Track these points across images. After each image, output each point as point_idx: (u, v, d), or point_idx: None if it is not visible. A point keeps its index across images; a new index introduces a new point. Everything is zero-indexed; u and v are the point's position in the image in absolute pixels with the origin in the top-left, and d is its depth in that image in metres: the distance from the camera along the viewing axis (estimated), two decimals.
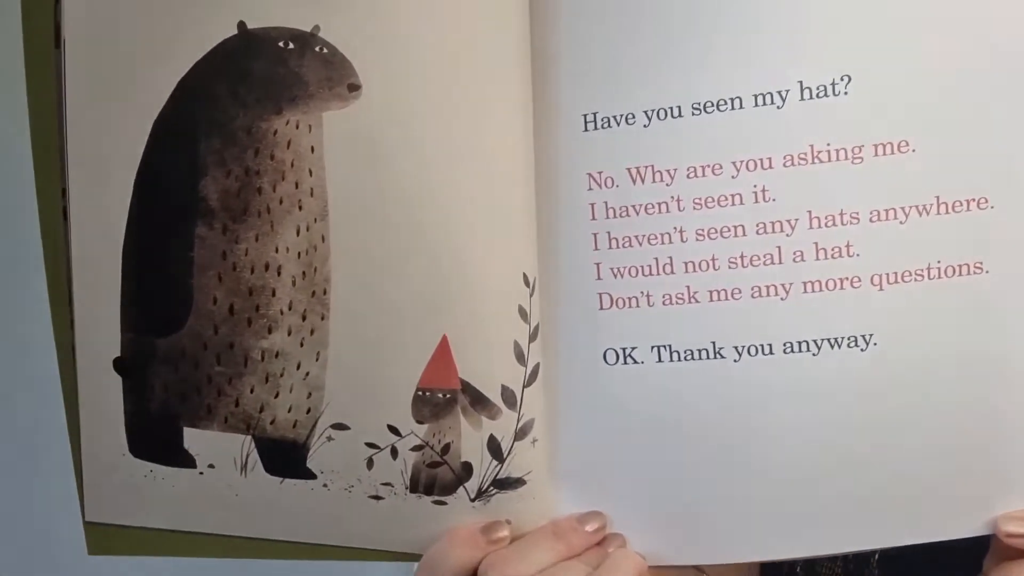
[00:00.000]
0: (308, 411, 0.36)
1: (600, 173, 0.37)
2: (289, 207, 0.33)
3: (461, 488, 0.37)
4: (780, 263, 0.35)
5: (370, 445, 0.36)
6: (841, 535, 0.37)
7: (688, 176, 0.36)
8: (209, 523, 0.38)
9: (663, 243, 0.37)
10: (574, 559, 0.37)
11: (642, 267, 0.37)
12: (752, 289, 0.36)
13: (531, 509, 0.38)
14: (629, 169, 0.37)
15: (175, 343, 0.35)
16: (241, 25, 0.32)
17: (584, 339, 0.38)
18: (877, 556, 0.48)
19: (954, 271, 0.34)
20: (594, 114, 0.37)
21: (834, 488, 0.36)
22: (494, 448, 0.37)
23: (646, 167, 0.37)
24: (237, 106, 0.32)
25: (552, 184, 0.37)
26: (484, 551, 0.37)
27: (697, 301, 0.36)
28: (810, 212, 0.35)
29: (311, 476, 0.37)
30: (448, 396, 0.36)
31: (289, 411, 0.36)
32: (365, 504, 0.37)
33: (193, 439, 0.36)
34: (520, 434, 0.37)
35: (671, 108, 0.36)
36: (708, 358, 0.36)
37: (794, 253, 0.35)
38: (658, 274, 0.37)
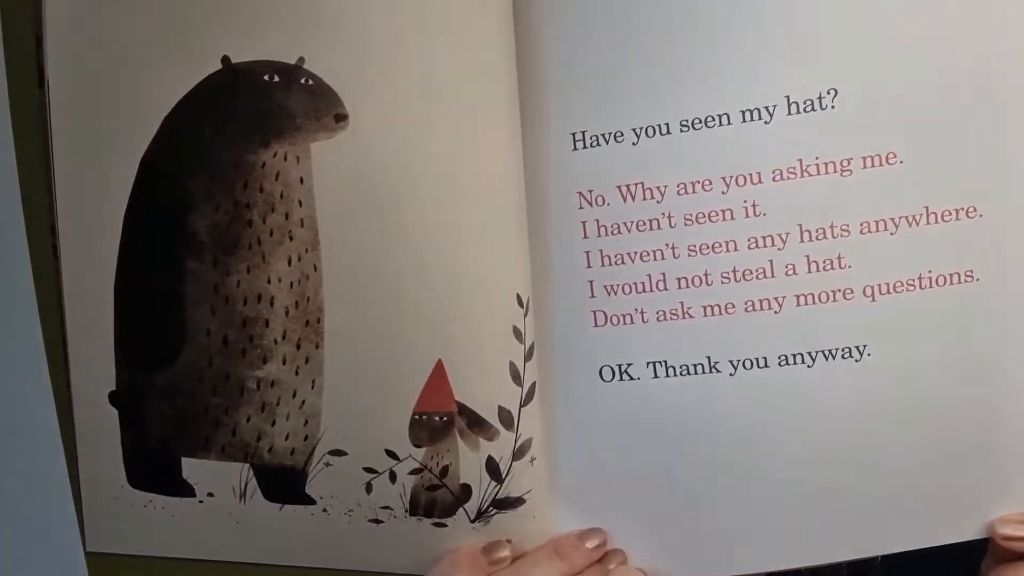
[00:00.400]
0: (305, 438, 0.36)
1: (591, 191, 0.37)
2: (280, 238, 0.33)
3: (461, 510, 0.37)
4: (772, 277, 0.35)
5: (368, 470, 0.36)
6: (840, 544, 0.37)
7: (678, 192, 0.36)
8: (211, 550, 0.38)
9: (655, 259, 0.37)
10: None
11: (635, 284, 0.37)
12: (745, 303, 0.36)
13: (531, 528, 0.38)
14: (619, 187, 0.37)
15: (170, 376, 0.35)
16: (225, 59, 0.32)
17: (580, 357, 0.38)
18: (880, 558, 0.48)
19: (945, 280, 0.34)
20: (583, 132, 0.37)
21: (832, 498, 0.37)
22: (492, 469, 0.37)
23: (636, 184, 0.37)
24: (223, 140, 0.32)
25: (543, 204, 0.37)
26: (486, 572, 0.37)
27: (691, 316, 0.37)
28: (800, 226, 0.35)
29: (310, 502, 0.37)
30: (445, 419, 0.36)
31: (286, 439, 0.36)
32: (365, 528, 0.37)
33: (191, 469, 0.36)
34: (518, 454, 0.37)
35: (660, 125, 0.36)
36: (703, 373, 0.37)
37: (786, 267, 0.35)
38: (651, 291, 0.37)
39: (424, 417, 0.36)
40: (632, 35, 0.36)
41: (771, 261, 0.35)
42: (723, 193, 0.36)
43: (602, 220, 0.37)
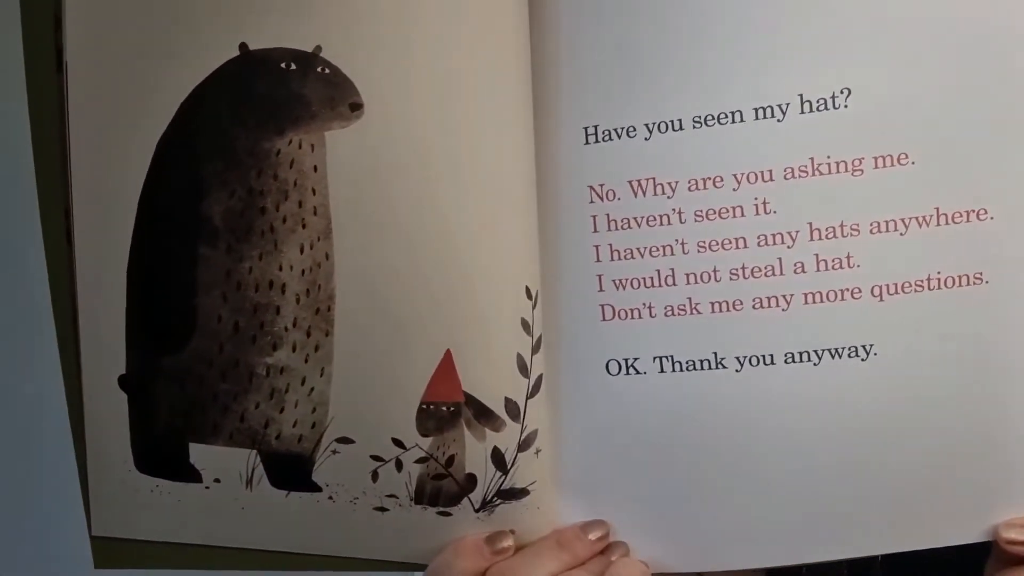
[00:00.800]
0: (313, 425, 0.36)
1: (601, 186, 0.37)
2: (293, 226, 0.33)
3: (465, 499, 0.37)
4: (781, 274, 0.36)
5: (375, 458, 0.37)
6: (842, 542, 0.37)
7: (689, 189, 0.36)
8: (216, 536, 0.38)
9: (665, 255, 0.37)
10: (579, 568, 0.37)
11: (644, 279, 0.37)
12: (753, 300, 0.36)
13: (535, 519, 0.38)
14: (630, 182, 0.37)
15: (180, 361, 0.35)
16: (243, 46, 0.32)
17: (587, 350, 0.38)
18: (881, 558, 0.49)
19: (954, 282, 0.35)
20: (595, 127, 0.37)
21: (835, 495, 0.37)
22: (498, 459, 0.37)
23: (647, 180, 0.37)
24: (239, 127, 0.32)
25: (553, 197, 0.37)
26: (489, 561, 0.37)
27: (699, 312, 0.37)
28: (810, 224, 0.35)
29: (316, 489, 0.37)
30: (452, 409, 0.36)
31: (294, 426, 0.36)
32: (370, 516, 0.37)
33: (199, 454, 0.37)
34: (524, 445, 0.37)
35: (672, 121, 0.36)
36: (710, 368, 0.37)
37: (795, 264, 0.36)
38: (660, 286, 0.37)
39: (431, 407, 0.36)
40: (646, 31, 0.36)
41: (780, 259, 0.36)
42: (734, 190, 0.36)
43: (612, 215, 0.37)
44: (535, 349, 0.37)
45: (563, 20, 0.36)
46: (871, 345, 0.35)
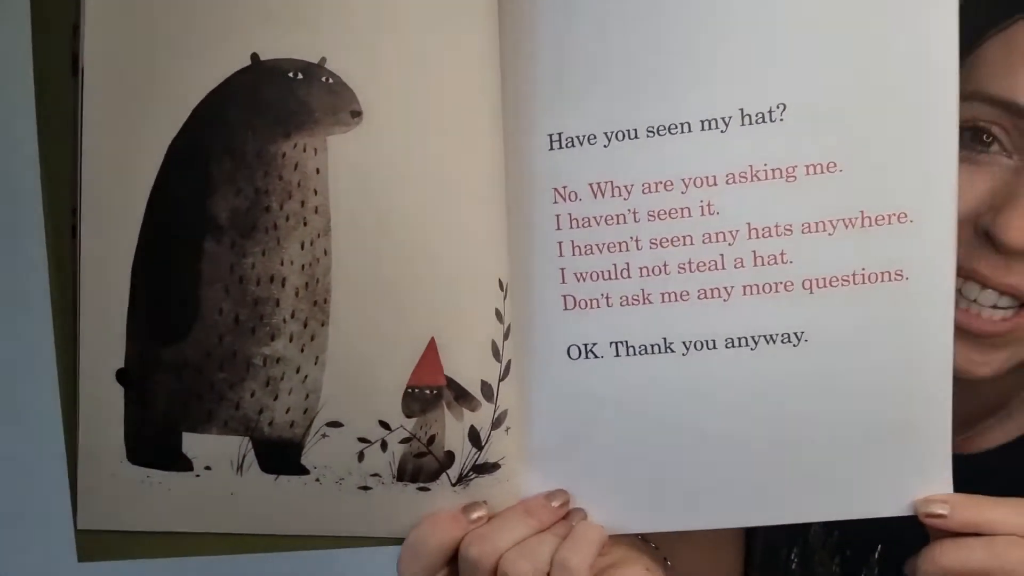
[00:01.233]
0: (305, 411, 0.38)
1: (564, 188, 0.41)
2: (295, 224, 0.36)
3: (443, 475, 0.41)
4: (723, 269, 0.41)
5: (362, 440, 0.39)
6: (777, 508, 0.42)
7: (643, 191, 0.41)
8: (205, 523, 0.39)
9: (620, 251, 0.41)
10: (544, 532, 0.41)
11: (602, 272, 0.42)
12: (698, 291, 0.41)
13: (505, 490, 0.42)
14: (591, 184, 0.41)
15: (179, 352, 0.36)
16: (254, 57, 0.34)
17: (551, 336, 0.42)
18: (877, 554, 0.55)
19: (877, 278, 0.39)
20: (559, 134, 0.41)
21: (771, 467, 0.41)
22: (474, 437, 0.41)
23: (606, 183, 0.41)
24: (248, 131, 0.34)
25: (522, 198, 0.41)
26: (465, 529, 0.41)
27: (650, 302, 0.41)
28: (749, 224, 0.40)
29: (304, 472, 0.39)
30: (435, 392, 0.39)
31: (287, 412, 0.38)
32: (354, 495, 0.40)
33: (191, 443, 0.38)
34: (496, 423, 0.41)
35: (628, 130, 0.41)
36: (660, 352, 0.41)
37: (735, 260, 0.40)
38: (616, 278, 0.41)
39: (416, 390, 0.39)
40: (607, 50, 0.40)
41: (722, 255, 0.41)
42: (682, 193, 0.41)
43: (574, 214, 0.41)
44: (506, 336, 0.41)
45: (530, 40, 0.40)
46: (802, 332, 0.40)
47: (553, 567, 0.40)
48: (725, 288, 0.40)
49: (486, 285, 0.40)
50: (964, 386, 0.44)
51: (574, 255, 0.41)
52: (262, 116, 0.34)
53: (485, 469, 0.41)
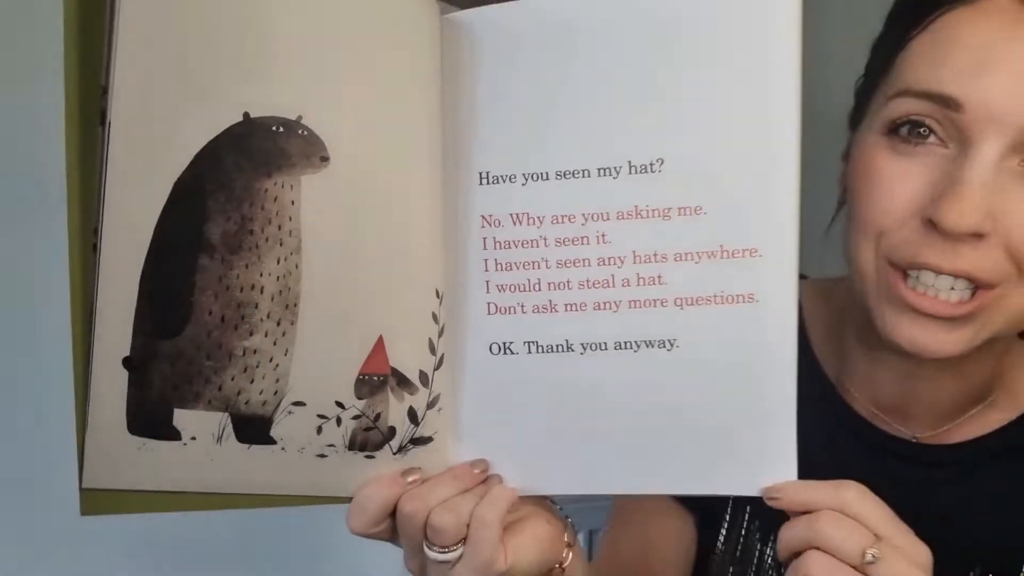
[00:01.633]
0: (275, 393, 0.48)
1: (490, 216, 0.51)
2: (272, 244, 0.45)
3: (386, 445, 0.50)
4: (613, 287, 0.50)
5: (320, 416, 0.49)
6: (655, 480, 0.51)
7: (552, 222, 0.51)
8: (188, 483, 0.48)
9: (534, 269, 0.51)
10: (467, 492, 0.50)
11: (519, 285, 0.51)
12: (594, 304, 0.50)
13: (436, 459, 0.51)
14: (511, 214, 0.51)
15: (174, 345, 0.45)
16: (246, 114, 0.43)
17: (476, 336, 0.51)
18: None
19: (733, 299, 0.47)
20: (487, 173, 0.51)
21: (650, 447, 0.50)
22: (412, 415, 0.50)
23: (523, 214, 0.51)
24: (238, 171, 0.43)
25: (456, 223, 0.51)
26: (403, 489, 0.50)
27: (556, 311, 0.51)
28: (634, 252, 0.49)
29: (273, 442, 0.48)
30: (381, 379, 0.49)
31: (260, 394, 0.47)
32: (313, 461, 0.49)
33: (180, 417, 0.47)
34: (431, 405, 0.51)
35: (542, 173, 0.50)
36: (563, 351, 0.51)
37: (623, 280, 0.50)
38: (529, 291, 0.51)
39: (367, 377, 0.49)
40: (527, 110, 0.50)
41: (613, 275, 0.50)
42: (582, 225, 0.50)
43: (497, 238, 0.51)
44: (440, 334, 0.51)
45: (467, 101, 0.49)
46: (674, 340, 0.49)
47: (472, 519, 0.49)
48: (614, 302, 0.50)
49: (425, 293, 0.49)
50: (949, 377, 0.52)
51: (497, 271, 0.51)
52: (250, 160, 0.43)
53: (420, 441, 0.51)
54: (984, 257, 0.50)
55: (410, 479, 0.50)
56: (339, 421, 0.48)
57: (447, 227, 0.50)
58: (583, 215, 0.49)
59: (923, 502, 0.57)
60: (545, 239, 0.50)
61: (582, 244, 0.50)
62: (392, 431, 0.50)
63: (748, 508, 0.65)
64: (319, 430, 0.48)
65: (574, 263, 0.50)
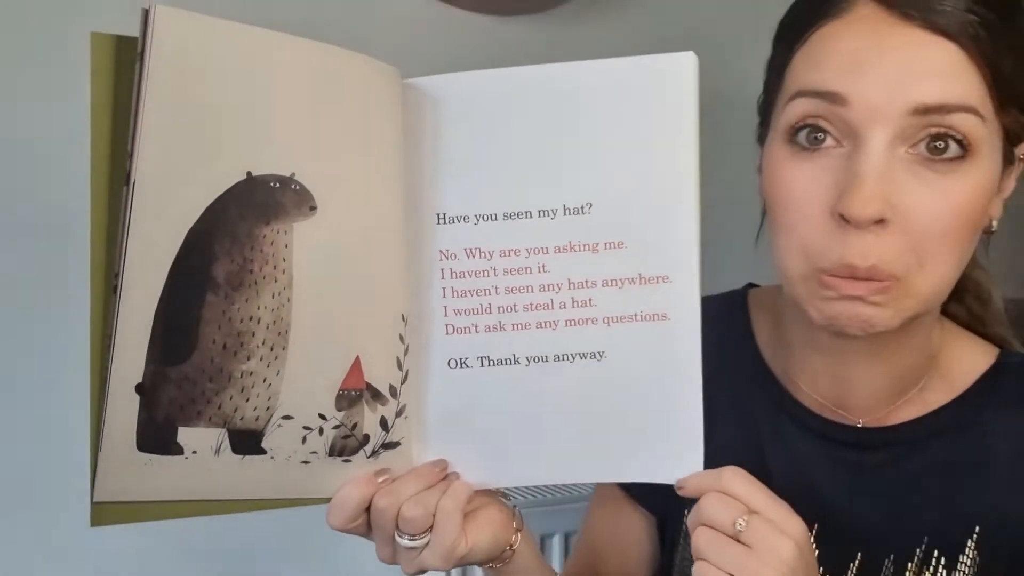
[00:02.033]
0: (267, 409, 0.55)
1: (448, 250, 0.60)
2: (269, 281, 0.52)
3: (361, 451, 0.58)
4: (552, 309, 0.60)
5: (306, 427, 0.56)
6: (588, 471, 0.61)
7: (500, 255, 0.60)
8: (190, 492, 0.54)
9: (485, 295, 0.60)
10: (431, 488, 0.59)
11: (471, 309, 0.60)
12: (537, 323, 0.60)
13: (403, 461, 0.60)
14: (465, 249, 0.59)
15: (181, 371, 0.52)
16: (248, 174, 0.50)
17: (437, 353, 0.60)
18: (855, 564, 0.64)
19: (650, 318, 0.57)
20: (444, 214, 0.59)
21: (583, 443, 0.59)
22: (383, 423, 0.58)
23: (476, 248, 0.60)
24: (241, 220, 0.50)
25: (419, 257, 0.59)
26: (376, 488, 0.57)
27: (505, 330, 0.60)
28: (569, 279, 0.59)
29: (263, 452, 0.56)
30: (358, 393, 0.57)
31: (254, 410, 0.54)
32: (298, 467, 0.57)
33: (183, 434, 0.53)
34: (399, 414, 0.59)
35: (491, 214, 0.59)
36: (511, 364, 0.60)
37: (560, 303, 0.59)
38: (482, 314, 0.60)
39: (345, 392, 0.56)
40: (479, 162, 0.59)
41: (552, 299, 0.60)
42: (526, 257, 0.59)
43: (454, 269, 0.60)
44: (406, 353, 0.59)
45: (430, 158, 0.58)
46: (603, 352, 0.58)
47: (437, 510, 0.58)
48: (553, 322, 0.59)
49: (393, 318, 0.58)
50: (881, 361, 0.58)
51: (453, 297, 0.60)
52: (252, 210, 0.51)
53: (390, 446, 0.59)
54: (889, 248, 0.54)
55: (381, 479, 0.58)
56: (321, 431, 0.56)
57: (410, 261, 0.58)
58: (527, 249, 0.59)
59: (869, 483, 0.66)
60: (495, 269, 0.59)
61: (526, 273, 0.59)
62: (367, 438, 0.57)
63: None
64: (304, 440, 0.56)
65: (519, 289, 0.59)
